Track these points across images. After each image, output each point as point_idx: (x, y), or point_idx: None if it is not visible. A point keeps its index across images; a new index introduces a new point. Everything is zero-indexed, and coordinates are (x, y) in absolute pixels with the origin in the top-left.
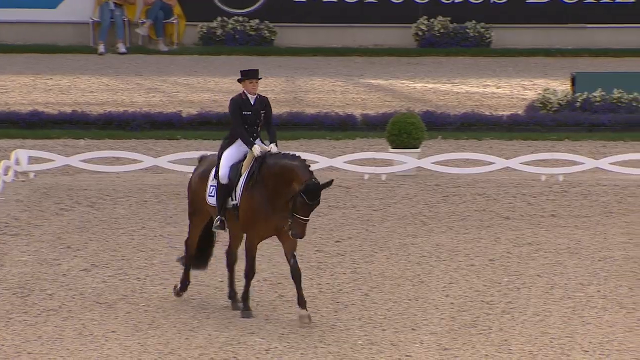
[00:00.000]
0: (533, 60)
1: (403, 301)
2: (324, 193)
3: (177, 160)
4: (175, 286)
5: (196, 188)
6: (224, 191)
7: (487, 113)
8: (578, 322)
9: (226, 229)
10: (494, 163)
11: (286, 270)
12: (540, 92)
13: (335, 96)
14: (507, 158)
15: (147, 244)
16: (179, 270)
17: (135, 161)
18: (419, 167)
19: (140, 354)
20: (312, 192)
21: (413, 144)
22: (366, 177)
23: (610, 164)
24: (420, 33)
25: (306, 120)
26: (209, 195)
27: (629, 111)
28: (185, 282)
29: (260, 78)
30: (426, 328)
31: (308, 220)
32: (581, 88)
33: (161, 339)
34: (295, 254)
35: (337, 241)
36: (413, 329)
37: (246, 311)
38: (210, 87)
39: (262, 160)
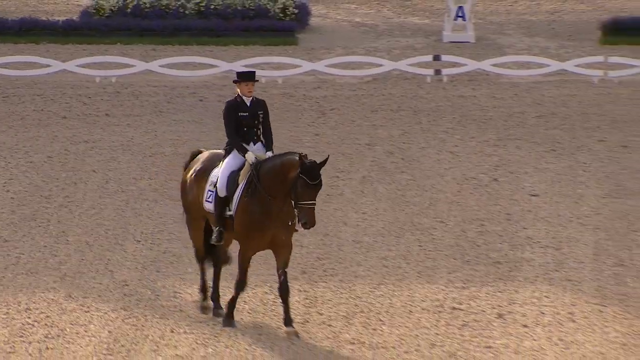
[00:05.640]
0: None
1: None
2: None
3: None
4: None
5: (191, 188)
6: (222, 202)
7: (43, 18)
8: (131, 214)
9: (223, 240)
10: (50, 66)
11: None
12: None
13: None
14: (63, 61)
15: None
16: None
17: None
18: None
19: None
20: (311, 170)
21: None
22: None
23: (160, 66)
24: None
25: None
26: (206, 201)
27: (176, 17)
28: (205, 288)
29: (257, 80)
30: None
31: (315, 203)
32: None
33: None
34: (286, 270)
35: None
36: None
37: (228, 319)
38: None
39: (258, 167)
